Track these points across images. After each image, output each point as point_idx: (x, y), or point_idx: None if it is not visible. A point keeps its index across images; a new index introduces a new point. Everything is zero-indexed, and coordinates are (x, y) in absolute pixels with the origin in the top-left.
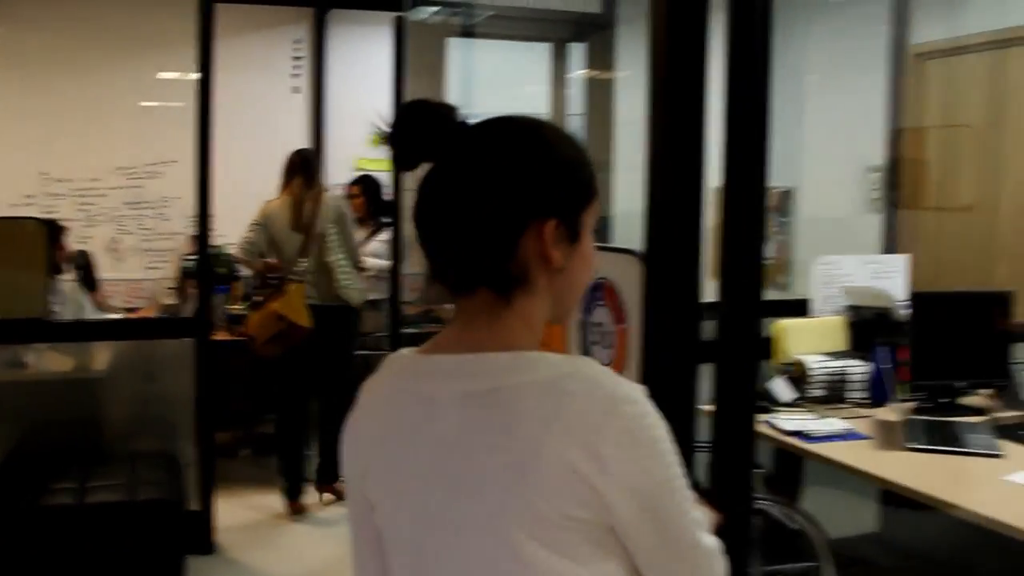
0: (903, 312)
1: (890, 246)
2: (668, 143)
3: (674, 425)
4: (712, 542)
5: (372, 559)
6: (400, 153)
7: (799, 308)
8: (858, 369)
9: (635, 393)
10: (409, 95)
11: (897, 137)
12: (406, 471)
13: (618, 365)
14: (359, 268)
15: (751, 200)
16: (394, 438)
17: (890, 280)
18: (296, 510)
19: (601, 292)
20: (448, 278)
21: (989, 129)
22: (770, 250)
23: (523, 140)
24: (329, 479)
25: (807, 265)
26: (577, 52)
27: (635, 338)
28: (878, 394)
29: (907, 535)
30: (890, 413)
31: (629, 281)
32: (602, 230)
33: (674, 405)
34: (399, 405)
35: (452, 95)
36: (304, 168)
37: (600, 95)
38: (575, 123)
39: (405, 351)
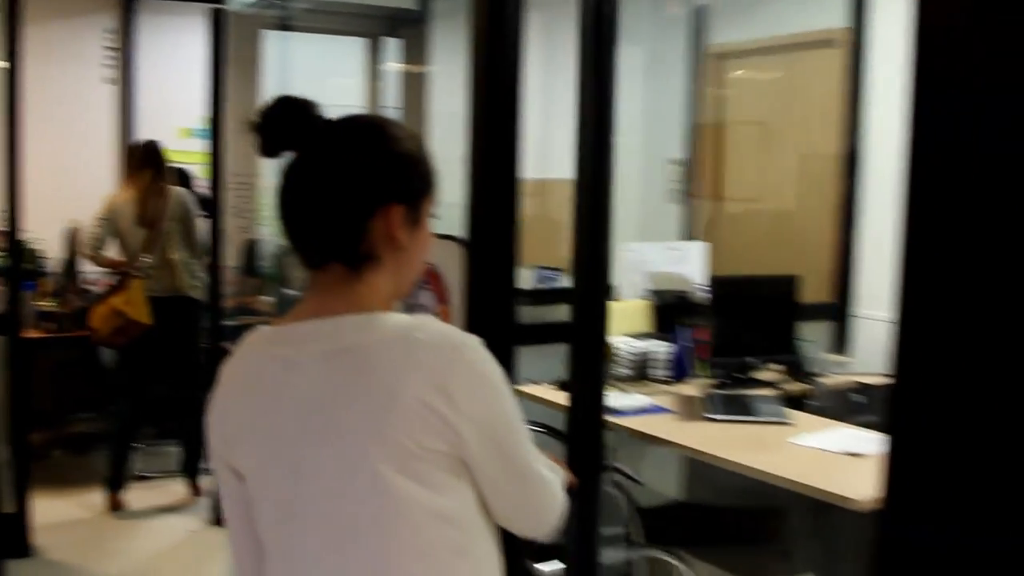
0: (701, 295)
1: (689, 234)
2: (487, 139)
3: None
4: (550, 475)
5: (245, 532)
6: (266, 142)
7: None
8: (661, 349)
9: (474, 341)
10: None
11: (694, 132)
12: (272, 432)
13: None
14: (200, 262)
15: (598, 194)
16: (257, 403)
17: (689, 265)
18: (116, 505)
19: (426, 275)
20: (306, 254)
21: (779, 125)
22: None
23: (374, 136)
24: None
25: (612, 252)
26: (392, 47)
27: (457, 319)
28: (679, 371)
29: (709, 497)
30: (691, 388)
31: (451, 265)
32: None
33: None
34: (260, 372)
35: (268, 87)
36: (152, 161)
37: (415, 89)
38: (391, 116)
39: (263, 327)
